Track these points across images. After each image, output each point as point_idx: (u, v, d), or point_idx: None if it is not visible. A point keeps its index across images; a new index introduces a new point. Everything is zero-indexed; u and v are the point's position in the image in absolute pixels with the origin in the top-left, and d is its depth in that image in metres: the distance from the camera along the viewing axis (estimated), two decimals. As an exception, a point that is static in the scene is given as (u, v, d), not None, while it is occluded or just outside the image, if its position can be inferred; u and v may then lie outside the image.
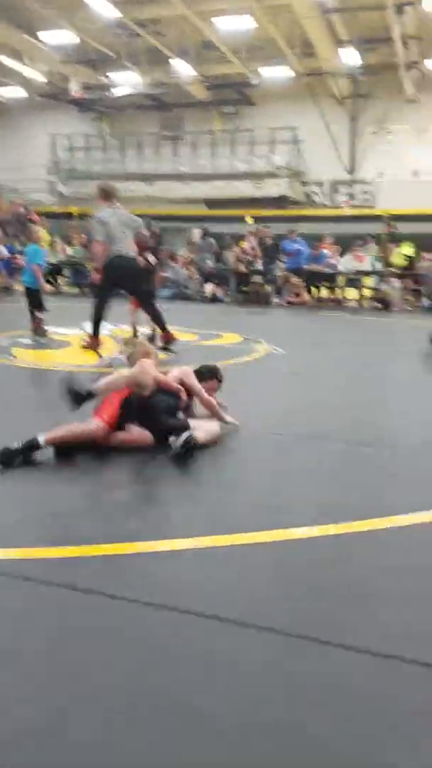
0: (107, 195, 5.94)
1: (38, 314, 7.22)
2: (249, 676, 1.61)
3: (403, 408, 4.62)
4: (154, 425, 3.34)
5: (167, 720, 1.44)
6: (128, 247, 5.79)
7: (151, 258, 7.50)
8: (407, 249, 13.63)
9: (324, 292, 14.00)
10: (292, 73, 17.51)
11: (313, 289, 13.34)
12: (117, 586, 2.00)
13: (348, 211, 18.20)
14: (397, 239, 13.99)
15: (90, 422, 3.26)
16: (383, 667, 1.67)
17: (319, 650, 1.73)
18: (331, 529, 2.46)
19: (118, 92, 19.09)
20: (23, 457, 3.01)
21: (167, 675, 1.61)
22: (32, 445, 3.03)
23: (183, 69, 17.72)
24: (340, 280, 13.58)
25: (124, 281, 5.91)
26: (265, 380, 5.44)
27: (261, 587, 2.06)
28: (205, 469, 3.19)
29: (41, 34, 16.43)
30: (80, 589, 1.98)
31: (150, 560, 2.21)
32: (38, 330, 7.19)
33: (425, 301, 11.71)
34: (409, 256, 13.45)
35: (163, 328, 6.32)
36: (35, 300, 7.23)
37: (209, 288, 13.09)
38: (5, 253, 14.73)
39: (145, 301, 6.41)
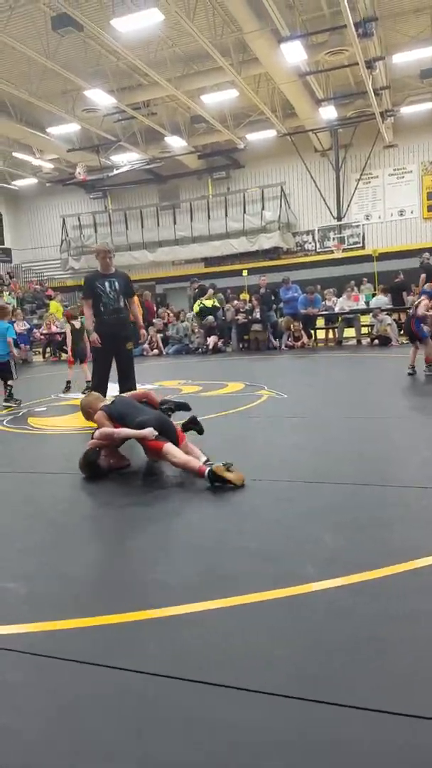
0: None
1: (9, 383, 7.58)
2: (243, 738, 1.44)
3: (406, 446, 4.35)
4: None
5: None
6: None
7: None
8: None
9: (322, 334, 13.92)
10: (276, 134, 17.95)
11: (312, 331, 13.27)
12: (110, 656, 1.87)
13: (338, 255, 18.30)
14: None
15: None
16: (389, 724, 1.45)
17: (320, 711, 1.55)
18: (340, 580, 2.24)
19: (118, 171, 19.72)
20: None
21: (158, 739, 1.50)
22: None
23: (176, 143, 18.27)
24: (338, 320, 13.50)
25: None
26: (267, 426, 5.27)
27: (261, 648, 1.86)
28: (203, 520, 3.00)
29: (49, 129, 17.20)
30: (78, 660, 1.86)
31: (146, 628, 2.02)
32: (9, 398, 7.49)
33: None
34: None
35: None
36: (5, 371, 7.62)
37: (211, 340, 13.08)
38: (25, 327, 15.05)
39: None
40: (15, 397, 7.50)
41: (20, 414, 6.82)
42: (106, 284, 5.58)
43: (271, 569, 2.40)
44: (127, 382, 5.61)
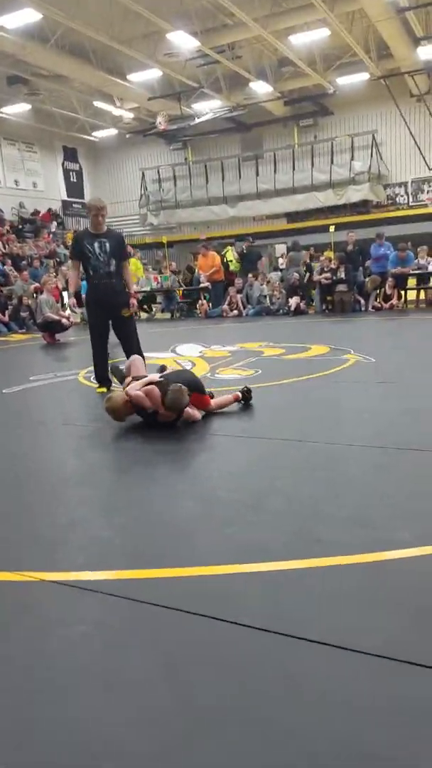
0: None
1: None
2: (339, 697, 1.51)
3: None
4: None
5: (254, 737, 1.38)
6: None
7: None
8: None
9: (413, 295, 13.37)
10: (369, 77, 17.01)
11: (402, 292, 12.78)
12: (207, 606, 1.98)
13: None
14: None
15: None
16: None
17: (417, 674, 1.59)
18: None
19: (200, 120, 19.41)
20: None
21: (253, 693, 1.58)
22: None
23: (260, 89, 17.73)
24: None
25: None
26: (355, 391, 5.20)
27: (354, 610, 1.92)
28: (297, 483, 3.05)
29: (129, 76, 17.09)
30: (175, 608, 1.97)
31: (240, 581, 2.12)
32: None
33: None
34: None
35: None
36: None
37: (294, 301, 12.89)
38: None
39: None
40: None
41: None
42: (96, 245, 5.24)
43: (365, 535, 2.42)
44: (130, 351, 5.33)
